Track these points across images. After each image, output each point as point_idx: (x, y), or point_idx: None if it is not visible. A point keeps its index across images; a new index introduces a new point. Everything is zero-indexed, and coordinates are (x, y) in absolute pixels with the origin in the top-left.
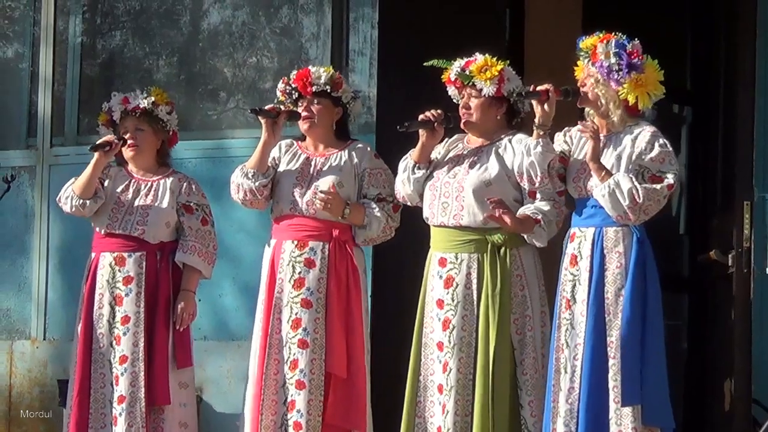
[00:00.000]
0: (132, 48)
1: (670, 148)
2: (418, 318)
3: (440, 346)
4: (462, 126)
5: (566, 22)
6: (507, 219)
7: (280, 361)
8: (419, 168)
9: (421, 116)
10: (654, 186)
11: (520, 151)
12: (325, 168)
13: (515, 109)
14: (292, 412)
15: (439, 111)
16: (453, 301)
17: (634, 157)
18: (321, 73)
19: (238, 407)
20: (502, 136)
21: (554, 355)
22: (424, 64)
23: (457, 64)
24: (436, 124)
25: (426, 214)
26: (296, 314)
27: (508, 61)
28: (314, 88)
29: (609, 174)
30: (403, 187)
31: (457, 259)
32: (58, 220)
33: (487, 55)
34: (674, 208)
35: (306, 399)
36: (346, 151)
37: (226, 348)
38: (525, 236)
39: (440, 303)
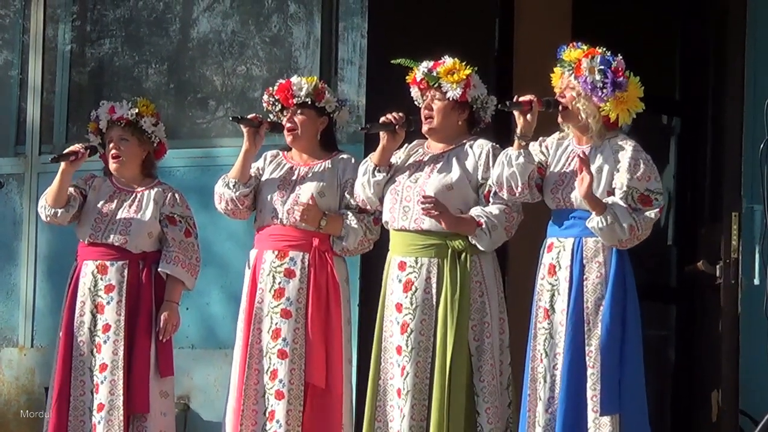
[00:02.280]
0: (121, 56)
1: (653, 163)
2: (378, 322)
3: (399, 350)
4: (423, 131)
5: (556, 32)
6: (441, 221)
7: (260, 371)
8: (379, 171)
9: (382, 118)
10: (649, 215)
11: (482, 158)
12: (307, 177)
13: (476, 118)
14: (271, 423)
15: (400, 114)
16: (412, 305)
17: (615, 173)
18: (303, 84)
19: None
20: (463, 141)
21: (530, 365)
22: (392, 61)
23: (425, 65)
24: (397, 127)
25: (386, 218)
26: (276, 324)
27: (476, 68)
28: (296, 100)
29: (603, 205)
30: (363, 191)
31: (417, 263)
32: (47, 228)
33: (455, 58)
34: (662, 219)
35: (285, 409)
36: (330, 162)
37: (213, 356)
38: (469, 238)
39: (399, 307)
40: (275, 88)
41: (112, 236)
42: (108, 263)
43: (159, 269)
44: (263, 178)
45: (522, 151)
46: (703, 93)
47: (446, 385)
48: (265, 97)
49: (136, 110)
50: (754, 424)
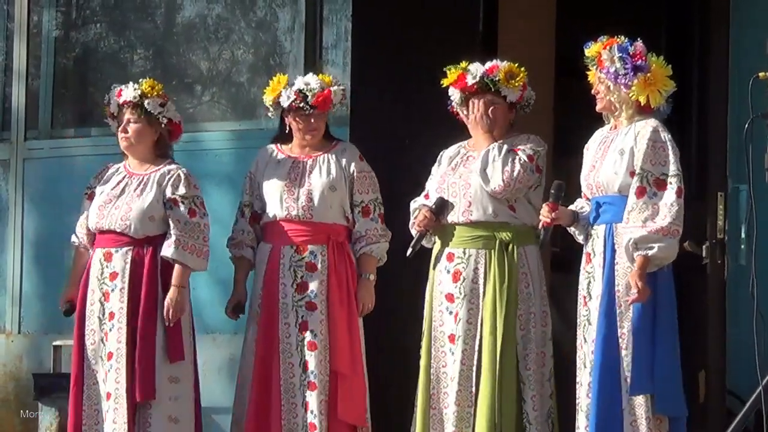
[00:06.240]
0: (107, 41)
1: (670, 145)
2: (427, 313)
3: (452, 338)
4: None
5: (540, 10)
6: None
7: (294, 365)
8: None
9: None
10: (675, 206)
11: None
12: (315, 170)
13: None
14: (306, 413)
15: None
16: (461, 294)
17: (636, 152)
18: (339, 92)
19: (211, 400)
20: (509, 137)
21: (578, 353)
22: (445, 68)
23: (477, 70)
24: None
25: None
26: (302, 317)
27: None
28: (333, 108)
29: (646, 258)
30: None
31: (465, 254)
32: (33, 214)
33: (507, 61)
34: None
35: (318, 400)
36: (333, 154)
37: (200, 341)
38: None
39: (450, 297)
40: (311, 94)
41: (115, 222)
42: (113, 250)
43: (161, 254)
44: (264, 178)
45: (576, 228)
46: (688, 72)
47: (496, 372)
48: (291, 96)
49: (140, 92)
50: (742, 405)
